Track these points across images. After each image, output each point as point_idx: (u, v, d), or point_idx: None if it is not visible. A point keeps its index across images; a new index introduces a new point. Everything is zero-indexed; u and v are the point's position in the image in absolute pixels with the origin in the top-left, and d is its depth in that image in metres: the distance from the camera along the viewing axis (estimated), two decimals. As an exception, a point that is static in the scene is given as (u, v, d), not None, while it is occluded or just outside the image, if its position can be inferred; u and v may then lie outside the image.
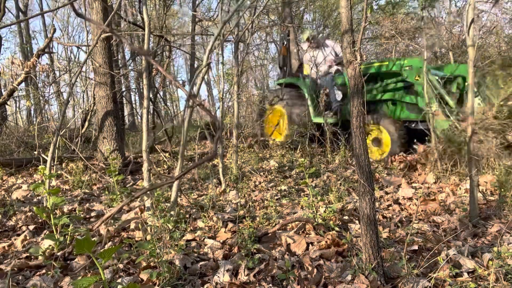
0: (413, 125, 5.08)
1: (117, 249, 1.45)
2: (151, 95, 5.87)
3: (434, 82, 4.58)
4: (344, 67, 6.09)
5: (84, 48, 6.94)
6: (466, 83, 4.71)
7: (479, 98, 4.53)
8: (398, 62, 5.15)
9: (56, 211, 3.04)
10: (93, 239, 1.76)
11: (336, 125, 5.69)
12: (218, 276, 1.92)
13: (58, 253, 2.28)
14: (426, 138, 4.38)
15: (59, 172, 4.77)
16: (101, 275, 1.43)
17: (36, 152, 5.61)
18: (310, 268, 1.97)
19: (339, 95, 5.91)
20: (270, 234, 2.51)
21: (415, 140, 4.83)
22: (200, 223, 2.83)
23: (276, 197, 3.63)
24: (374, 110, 5.48)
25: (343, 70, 6.03)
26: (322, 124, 5.87)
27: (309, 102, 6.15)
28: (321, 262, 2.06)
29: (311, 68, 6.36)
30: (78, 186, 4.31)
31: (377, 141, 5.27)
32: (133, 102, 19.44)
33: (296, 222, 2.61)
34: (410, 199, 3.43)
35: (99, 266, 1.42)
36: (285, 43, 7.05)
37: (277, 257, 2.18)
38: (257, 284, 1.87)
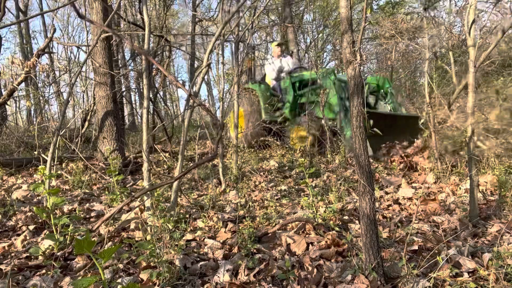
0: (330, 123, 5.94)
1: (117, 249, 1.45)
2: (151, 95, 5.87)
3: (338, 87, 5.82)
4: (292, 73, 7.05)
5: (84, 48, 6.94)
6: (381, 91, 6.24)
7: (392, 105, 6.02)
8: (318, 71, 6.23)
9: (56, 211, 3.04)
10: (93, 239, 1.76)
11: (284, 123, 6.73)
12: (218, 276, 1.92)
13: (58, 253, 2.28)
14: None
15: (59, 172, 4.77)
16: (101, 275, 1.43)
17: (36, 152, 5.61)
18: (310, 268, 1.97)
19: (285, 97, 7.08)
20: (270, 234, 2.51)
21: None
22: (200, 223, 2.83)
23: (276, 197, 3.63)
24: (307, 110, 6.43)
25: (288, 77, 7.08)
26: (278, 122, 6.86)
27: (261, 104, 7.26)
28: (321, 262, 2.06)
29: (278, 74, 7.56)
30: (78, 186, 4.31)
31: (302, 138, 6.22)
32: (133, 102, 19.45)
33: (296, 222, 2.61)
34: (410, 199, 3.43)
35: (99, 266, 1.42)
36: (251, 55, 8.27)
37: (277, 257, 2.18)
38: (257, 284, 1.87)
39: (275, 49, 7.74)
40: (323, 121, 6.06)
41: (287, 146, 6.50)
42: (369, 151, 4.94)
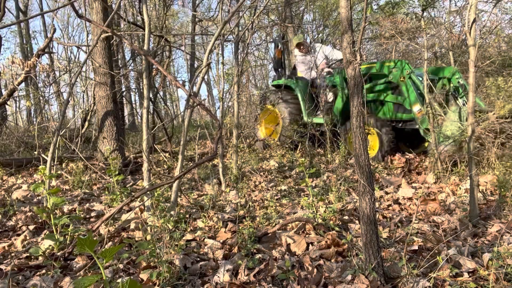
0: (399, 125, 5.21)
1: (119, 249, 1.45)
2: (151, 95, 5.87)
3: (417, 83, 4.77)
4: (333, 69, 6.23)
5: (84, 48, 6.94)
6: (451, 85, 4.95)
7: (463, 99, 4.80)
8: (385, 64, 5.30)
9: (56, 211, 3.03)
10: (94, 238, 1.76)
11: (322, 125, 5.82)
12: (218, 276, 1.92)
13: (58, 253, 2.28)
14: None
15: (59, 172, 4.77)
16: (103, 274, 1.43)
17: (36, 152, 5.61)
18: (310, 268, 1.97)
19: (330, 96, 6.10)
20: (270, 234, 2.51)
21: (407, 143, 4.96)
22: (200, 223, 2.83)
23: (276, 197, 3.63)
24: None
25: (334, 72, 6.19)
26: (319, 125, 6.04)
27: (301, 103, 6.36)
28: (321, 262, 2.06)
29: (308, 70, 6.53)
30: (78, 186, 4.31)
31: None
32: (133, 102, 19.44)
33: (296, 222, 2.61)
34: (410, 199, 3.43)
35: (101, 266, 1.42)
36: (280, 46, 7.22)
37: (277, 257, 2.18)
38: (257, 284, 1.87)
39: (297, 49, 6.69)
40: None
41: (287, 146, 6.32)
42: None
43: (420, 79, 4.82)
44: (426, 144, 4.44)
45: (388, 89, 5.33)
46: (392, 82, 5.18)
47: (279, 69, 7.15)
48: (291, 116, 6.42)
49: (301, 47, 6.63)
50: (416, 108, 4.69)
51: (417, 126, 4.76)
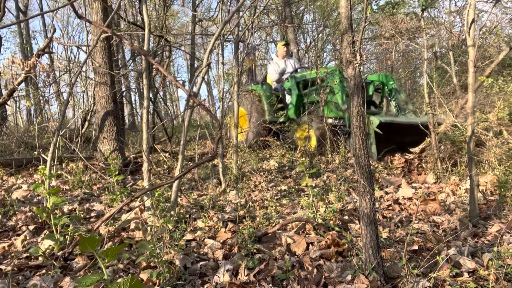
0: (335, 122, 5.99)
1: (120, 249, 1.45)
2: (151, 95, 5.87)
3: (346, 87, 5.61)
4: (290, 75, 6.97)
5: (84, 48, 6.94)
6: (386, 88, 6.04)
7: (396, 101, 5.79)
8: (322, 70, 6.21)
9: (56, 211, 3.03)
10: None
11: (285, 123, 6.71)
12: (218, 276, 1.92)
13: (58, 253, 2.28)
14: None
15: (59, 172, 4.77)
16: (104, 273, 1.43)
17: (36, 152, 5.61)
18: (310, 268, 1.97)
19: (288, 98, 7.07)
20: (270, 234, 2.51)
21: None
22: (200, 223, 2.83)
23: (276, 197, 3.63)
24: (312, 111, 6.38)
25: (291, 77, 7.02)
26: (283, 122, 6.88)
27: (265, 105, 7.25)
28: (321, 262, 2.06)
29: (280, 75, 7.49)
30: (78, 186, 4.31)
31: (309, 138, 6.22)
32: (133, 102, 19.44)
33: (296, 222, 2.61)
34: (410, 199, 3.43)
35: (102, 265, 1.42)
36: (251, 56, 8.29)
37: (277, 257, 2.18)
38: (257, 284, 1.87)
39: (281, 49, 7.62)
40: (330, 120, 6.14)
41: (287, 146, 6.46)
42: (374, 156, 4.88)
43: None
44: (428, 140, 4.54)
45: (330, 92, 6.17)
46: (329, 86, 6.08)
47: (250, 76, 8.34)
48: (258, 116, 7.28)
49: (287, 48, 7.63)
50: (344, 106, 5.70)
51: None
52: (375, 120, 4.80)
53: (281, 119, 6.83)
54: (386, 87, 6.06)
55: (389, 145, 5.09)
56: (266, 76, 8.14)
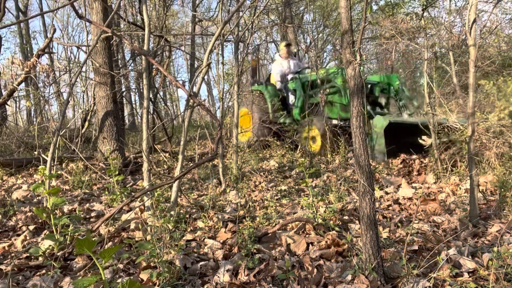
0: (340, 123, 5.99)
1: (118, 249, 1.45)
2: (151, 95, 5.87)
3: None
4: (297, 75, 6.98)
5: (84, 48, 6.94)
6: (392, 88, 6.01)
7: (403, 102, 5.81)
8: (330, 70, 6.22)
9: (56, 211, 3.03)
10: (93, 239, 1.76)
11: (291, 124, 6.71)
12: (218, 276, 1.92)
13: (58, 253, 2.28)
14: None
15: (59, 172, 4.77)
16: (102, 275, 1.43)
17: (36, 152, 5.61)
18: (310, 268, 1.97)
19: (291, 99, 7.09)
20: (270, 234, 2.51)
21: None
22: (200, 223, 2.83)
23: (276, 197, 3.63)
24: (317, 112, 6.38)
25: (295, 78, 7.05)
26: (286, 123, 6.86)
27: (269, 106, 7.23)
28: (321, 262, 2.05)
29: (283, 76, 7.46)
30: (78, 186, 4.31)
31: (313, 139, 6.17)
32: (133, 102, 19.44)
33: (296, 222, 2.61)
34: (410, 199, 3.43)
35: (100, 266, 1.42)
36: (255, 56, 8.24)
37: (277, 257, 2.18)
38: (257, 284, 1.87)
39: (283, 50, 7.55)
40: (334, 122, 6.18)
41: (287, 146, 6.46)
42: (384, 157, 4.81)
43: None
44: (429, 141, 4.52)
45: (336, 93, 6.19)
46: (335, 86, 6.09)
47: (254, 76, 8.18)
48: (261, 117, 7.28)
49: (289, 49, 7.59)
50: None
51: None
52: (384, 121, 4.75)
53: (285, 120, 6.84)
54: (392, 87, 6.01)
55: (398, 145, 5.01)
56: (269, 76, 8.11)
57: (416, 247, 2.22)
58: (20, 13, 16.49)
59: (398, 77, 6.06)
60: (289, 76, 7.38)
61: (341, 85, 5.96)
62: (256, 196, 3.74)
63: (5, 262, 2.23)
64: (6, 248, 2.45)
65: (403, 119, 5.48)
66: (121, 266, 2.10)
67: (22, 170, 5.36)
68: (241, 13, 4.85)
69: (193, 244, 2.44)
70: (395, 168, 4.72)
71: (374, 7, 12.01)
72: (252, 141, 7.13)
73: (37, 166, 5.43)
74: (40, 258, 2.25)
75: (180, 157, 2.92)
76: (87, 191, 4.17)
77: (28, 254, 2.31)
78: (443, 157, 4.02)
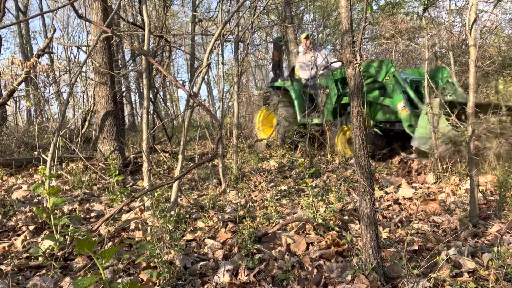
0: (387, 126, 5.25)
1: (118, 249, 1.45)
2: (151, 95, 5.87)
3: (400, 82, 4.91)
4: (326, 70, 6.30)
5: (84, 48, 6.94)
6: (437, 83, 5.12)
7: (453, 97, 4.73)
8: (371, 64, 5.35)
9: (56, 211, 3.03)
10: (93, 239, 1.76)
11: (321, 125, 5.89)
12: (218, 276, 1.92)
13: (58, 254, 2.28)
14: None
15: (59, 172, 4.77)
16: (102, 275, 1.43)
17: (36, 153, 5.61)
18: (310, 268, 1.97)
19: (322, 97, 6.27)
20: (270, 234, 2.51)
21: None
22: (200, 223, 2.83)
23: (276, 197, 3.63)
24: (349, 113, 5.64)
25: (326, 74, 6.29)
26: (318, 125, 6.08)
27: (296, 105, 6.44)
28: (321, 262, 2.05)
29: (310, 69, 6.54)
30: (78, 186, 4.31)
31: (351, 141, 5.41)
32: (133, 102, 19.43)
33: (296, 222, 2.61)
34: (410, 199, 3.43)
35: (100, 266, 1.42)
36: (277, 48, 7.36)
37: (277, 257, 2.18)
38: (257, 284, 1.87)
39: (303, 42, 6.79)
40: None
41: (287, 146, 6.37)
42: (426, 143, 4.16)
43: (406, 78, 5.05)
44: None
45: (374, 90, 5.43)
46: (378, 82, 5.31)
47: (277, 71, 7.31)
48: (288, 117, 6.52)
49: (309, 39, 6.77)
50: (401, 105, 4.80)
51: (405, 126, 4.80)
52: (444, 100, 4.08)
53: (316, 121, 6.07)
54: (437, 82, 5.12)
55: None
56: (293, 69, 7.30)
57: (416, 247, 2.22)
58: (20, 13, 16.50)
59: (447, 70, 5.18)
60: (320, 71, 6.48)
61: (387, 80, 5.07)
62: (256, 196, 3.74)
63: (5, 262, 2.23)
64: (6, 248, 2.45)
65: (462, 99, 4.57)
66: (121, 266, 2.10)
67: (22, 170, 5.36)
68: (241, 13, 4.85)
69: (193, 244, 2.44)
70: (394, 165, 4.73)
71: (374, 7, 12.01)
72: (276, 141, 6.43)
73: (37, 166, 5.44)
74: (40, 258, 2.25)
75: (180, 157, 2.92)
76: (87, 191, 4.17)
77: (28, 254, 2.31)
78: (443, 157, 4.01)
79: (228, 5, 5.68)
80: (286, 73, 7.73)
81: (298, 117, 6.38)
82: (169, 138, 6.46)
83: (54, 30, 6.53)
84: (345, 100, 5.77)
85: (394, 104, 4.96)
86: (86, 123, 6.96)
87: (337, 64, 6.50)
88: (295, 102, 6.46)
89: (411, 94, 4.85)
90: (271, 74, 7.69)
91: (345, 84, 5.77)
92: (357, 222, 2.77)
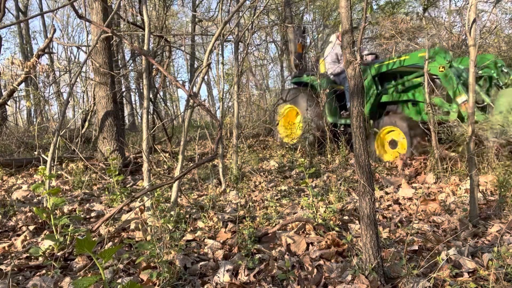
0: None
1: (118, 249, 1.45)
2: (151, 95, 5.87)
3: (460, 72, 4.37)
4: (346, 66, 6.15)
5: (84, 48, 6.94)
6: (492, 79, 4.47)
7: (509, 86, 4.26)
8: (419, 55, 4.72)
9: (56, 211, 3.04)
10: (93, 239, 1.76)
11: (349, 126, 5.53)
12: (218, 276, 1.92)
13: (58, 254, 2.28)
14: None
15: (59, 172, 4.77)
16: (102, 275, 1.43)
17: (36, 153, 5.61)
18: (310, 268, 1.97)
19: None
20: (270, 234, 2.51)
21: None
22: (200, 223, 2.83)
23: (276, 197, 3.63)
24: (392, 111, 5.25)
25: (363, 69, 5.72)
26: (347, 125, 5.75)
27: (325, 103, 5.85)
28: (321, 262, 2.06)
29: (336, 63, 6.08)
30: (78, 187, 4.31)
31: (393, 143, 5.05)
32: (133, 102, 19.43)
33: (296, 222, 2.61)
34: (410, 199, 3.43)
35: (100, 266, 1.42)
36: (301, 40, 6.79)
37: (277, 257, 2.18)
38: (257, 284, 1.87)
39: (338, 33, 6.10)
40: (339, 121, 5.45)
41: (288, 146, 6.34)
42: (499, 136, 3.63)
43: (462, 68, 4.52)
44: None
45: (419, 86, 4.88)
46: (422, 76, 4.68)
47: (300, 65, 6.72)
48: (315, 116, 6.01)
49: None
50: (461, 99, 4.15)
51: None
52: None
53: (343, 121, 5.74)
54: (492, 73, 4.42)
55: None
56: (316, 60, 6.76)
57: (416, 247, 2.22)
58: (20, 13, 16.50)
59: (500, 60, 4.58)
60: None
61: (442, 72, 4.39)
62: (256, 196, 3.74)
63: (5, 262, 2.23)
64: (6, 248, 2.45)
65: None
66: (121, 266, 2.10)
67: (22, 170, 5.36)
68: (241, 13, 4.85)
69: (193, 244, 2.44)
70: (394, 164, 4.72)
71: (374, 7, 12.01)
72: (301, 142, 6.02)
73: (37, 166, 5.44)
74: (40, 258, 2.25)
75: (180, 157, 2.93)
76: (87, 191, 4.17)
77: (28, 254, 2.31)
78: (443, 157, 4.01)
79: (228, 5, 5.68)
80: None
81: (329, 118, 5.82)
82: (169, 138, 6.46)
83: (54, 30, 6.53)
84: (384, 98, 5.25)
85: (448, 101, 4.37)
86: (86, 123, 6.96)
87: (370, 57, 5.90)
88: (323, 100, 5.75)
89: (477, 88, 4.13)
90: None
91: (384, 81, 5.36)
92: (357, 222, 2.77)
